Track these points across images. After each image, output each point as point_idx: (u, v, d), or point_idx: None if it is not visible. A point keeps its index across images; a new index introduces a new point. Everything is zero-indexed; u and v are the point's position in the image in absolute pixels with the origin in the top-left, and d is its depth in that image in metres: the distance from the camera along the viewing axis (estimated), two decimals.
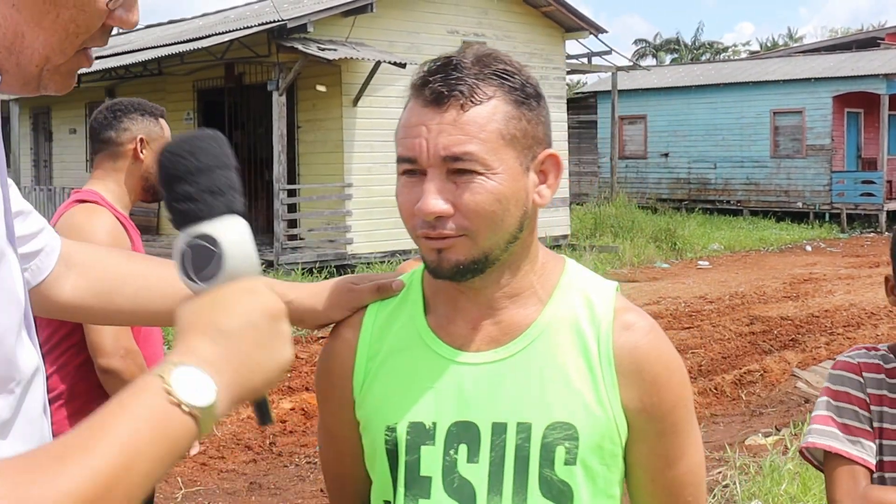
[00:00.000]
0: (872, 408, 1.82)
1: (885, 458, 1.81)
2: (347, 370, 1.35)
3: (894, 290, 1.90)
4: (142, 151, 2.85)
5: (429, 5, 14.68)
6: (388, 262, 13.54)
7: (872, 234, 21.01)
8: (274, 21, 12.82)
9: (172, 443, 0.81)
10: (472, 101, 1.20)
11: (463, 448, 1.25)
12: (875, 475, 1.80)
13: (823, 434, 1.83)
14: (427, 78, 1.22)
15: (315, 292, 1.35)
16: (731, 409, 7.30)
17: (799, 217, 22.65)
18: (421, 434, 1.26)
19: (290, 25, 12.65)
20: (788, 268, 15.08)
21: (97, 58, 16.89)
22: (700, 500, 1.34)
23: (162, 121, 2.90)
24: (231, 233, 0.96)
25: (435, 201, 1.19)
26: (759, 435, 6.30)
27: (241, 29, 13.58)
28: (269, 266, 12.96)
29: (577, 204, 21.51)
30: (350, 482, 1.39)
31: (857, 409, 1.83)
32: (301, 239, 13.73)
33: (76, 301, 1.40)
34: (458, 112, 1.20)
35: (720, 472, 5.33)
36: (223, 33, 13.85)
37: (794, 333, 9.67)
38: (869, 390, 1.83)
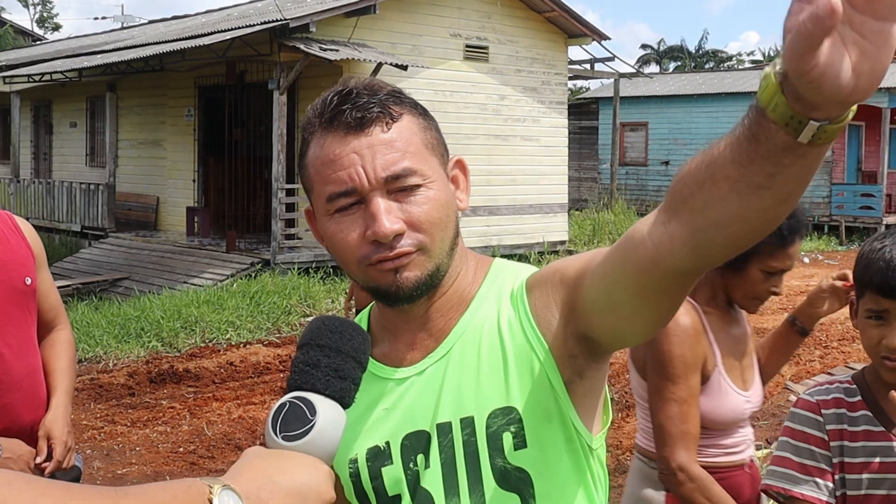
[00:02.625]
0: (832, 444, 1.84)
1: (849, 493, 1.83)
2: None
3: (854, 314, 1.92)
4: None
5: (432, 8, 14.67)
6: None
7: None
8: (276, 20, 12.81)
9: None
10: (391, 119, 1.21)
11: (420, 458, 1.25)
12: None
13: (780, 476, 1.87)
14: (338, 109, 1.21)
15: None
16: None
17: None
18: (378, 456, 1.27)
19: (292, 25, 12.64)
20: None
21: (98, 52, 16.89)
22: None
23: None
24: (332, 415, 1.01)
25: (389, 221, 1.18)
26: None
27: (243, 27, 13.56)
28: (265, 265, 12.95)
29: (576, 210, 21.50)
30: None
31: (813, 448, 1.86)
32: (298, 238, 13.70)
33: None
34: (382, 131, 1.20)
35: None
36: (225, 31, 13.83)
37: None
38: (828, 426, 1.85)
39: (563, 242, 16.63)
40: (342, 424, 1.02)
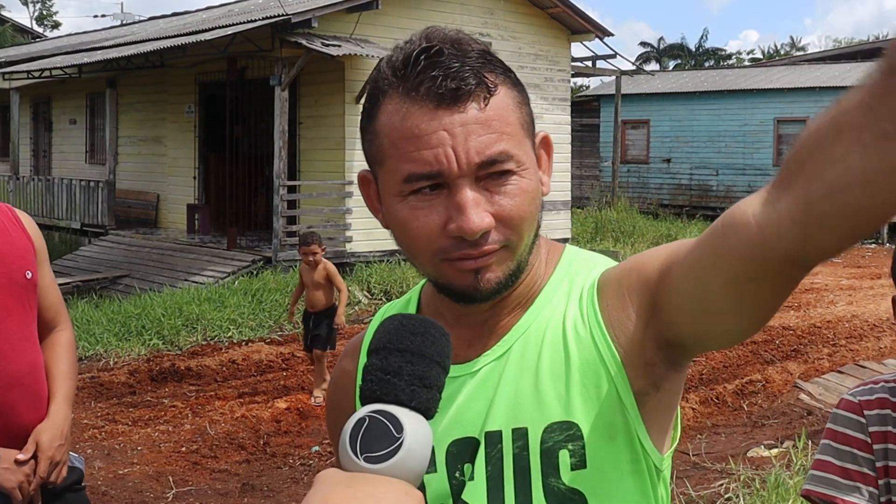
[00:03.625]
0: (876, 446, 1.74)
1: (894, 499, 1.73)
2: (351, 402, 1.22)
3: None
4: None
5: (434, 3, 14.59)
6: (387, 261, 13.44)
7: (874, 246, 20.93)
8: (278, 15, 12.73)
9: None
10: (489, 93, 1.04)
11: (467, 468, 1.12)
12: None
13: (822, 482, 1.77)
14: (426, 74, 1.03)
15: None
16: (732, 420, 7.20)
17: None
18: None
19: (294, 20, 12.56)
20: None
21: (97, 48, 16.80)
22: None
23: None
24: (420, 431, 0.88)
25: (478, 216, 1.02)
26: (762, 447, 6.19)
27: (244, 23, 13.48)
28: (266, 262, 12.86)
29: (578, 207, 21.42)
30: None
31: (855, 451, 1.75)
32: (300, 235, 13.62)
33: None
34: (479, 108, 1.03)
35: (723, 485, 5.22)
36: (226, 26, 13.75)
37: (797, 344, 9.57)
38: (871, 429, 1.75)
39: (565, 240, 16.51)
40: (430, 441, 0.89)
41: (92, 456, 6.22)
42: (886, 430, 1.75)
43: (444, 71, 1.02)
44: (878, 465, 1.73)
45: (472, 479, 1.12)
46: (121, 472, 6.02)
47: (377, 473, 0.85)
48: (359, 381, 1.18)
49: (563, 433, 1.08)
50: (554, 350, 1.11)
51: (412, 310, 1.22)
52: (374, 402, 0.89)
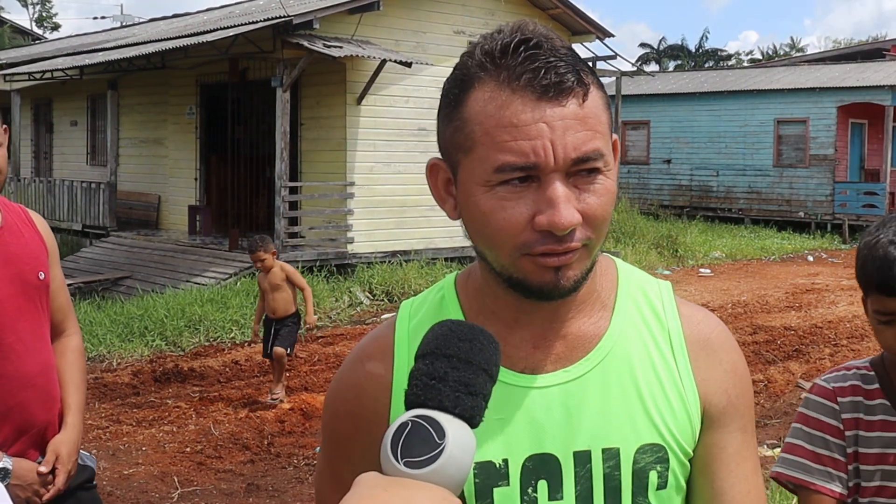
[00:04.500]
0: (847, 433, 1.76)
1: (863, 484, 1.76)
2: (381, 412, 1.15)
3: (867, 309, 1.82)
4: None
5: (435, 5, 14.60)
6: (389, 262, 13.45)
7: None
8: (279, 17, 12.74)
9: None
10: (586, 91, 1.04)
11: (542, 485, 1.10)
12: (849, 501, 1.76)
13: (792, 465, 1.79)
14: (528, 66, 1.02)
15: None
16: None
17: (800, 227, 22.58)
18: (492, 475, 1.10)
19: (295, 22, 12.57)
20: (790, 277, 15.00)
21: (99, 50, 16.81)
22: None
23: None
24: (463, 438, 0.87)
25: (568, 212, 1.01)
26: (765, 446, 6.21)
27: (245, 24, 13.49)
28: None
29: None
30: None
31: (827, 436, 1.77)
32: (301, 237, 13.64)
33: None
34: (578, 104, 1.03)
35: None
36: (228, 28, 13.76)
37: (798, 344, 9.59)
38: (844, 416, 1.77)
39: None
40: (473, 449, 0.88)
41: (97, 456, 6.22)
42: (857, 416, 1.77)
43: (545, 64, 1.02)
44: (849, 451, 1.75)
45: (559, 498, 1.10)
46: (126, 472, 6.03)
47: (417, 479, 0.84)
48: (395, 386, 1.15)
49: (654, 455, 1.11)
50: (644, 372, 1.14)
51: (451, 308, 1.18)
52: (418, 406, 0.89)
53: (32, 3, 51.20)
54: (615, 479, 1.10)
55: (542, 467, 1.10)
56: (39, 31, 47.06)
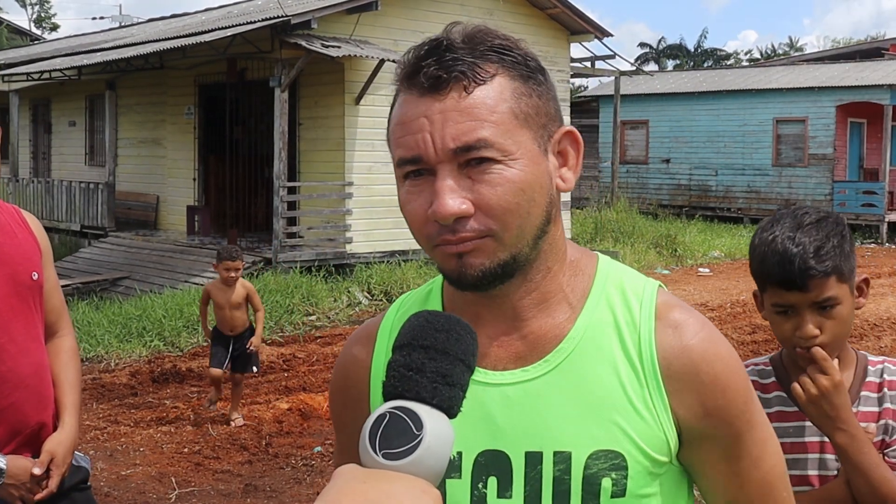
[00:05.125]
0: None
1: None
2: (363, 391, 1.21)
3: (759, 305, 1.86)
4: None
5: (433, 4, 14.60)
6: (388, 262, 13.44)
7: (873, 245, 20.95)
8: (277, 17, 12.72)
9: None
10: (475, 82, 1.06)
11: (492, 481, 1.11)
12: None
13: None
14: (419, 64, 1.07)
15: None
16: None
17: None
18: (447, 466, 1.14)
19: (293, 21, 12.56)
20: None
21: (97, 50, 16.80)
22: (790, 492, 1.21)
23: None
24: (441, 429, 0.87)
25: (452, 201, 1.04)
26: None
27: (244, 24, 13.48)
28: (267, 264, 12.86)
29: (578, 208, 21.43)
30: None
31: None
32: (300, 237, 13.63)
33: None
34: (460, 96, 1.06)
35: None
36: (226, 28, 13.75)
37: None
38: None
39: None
40: (451, 440, 0.88)
41: (94, 457, 6.22)
42: None
43: (437, 60, 1.07)
44: None
45: (507, 497, 1.10)
46: (123, 473, 6.02)
47: (395, 470, 0.84)
48: (373, 371, 1.19)
49: (608, 462, 1.09)
50: (606, 377, 1.11)
51: (434, 302, 1.21)
52: (396, 398, 0.88)
53: (31, 4, 51.20)
54: (564, 483, 1.09)
55: (493, 464, 1.11)
56: (38, 32, 47.04)
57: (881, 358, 1.86)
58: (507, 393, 1.12)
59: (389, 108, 1.16)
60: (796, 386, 1.72)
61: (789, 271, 1.72)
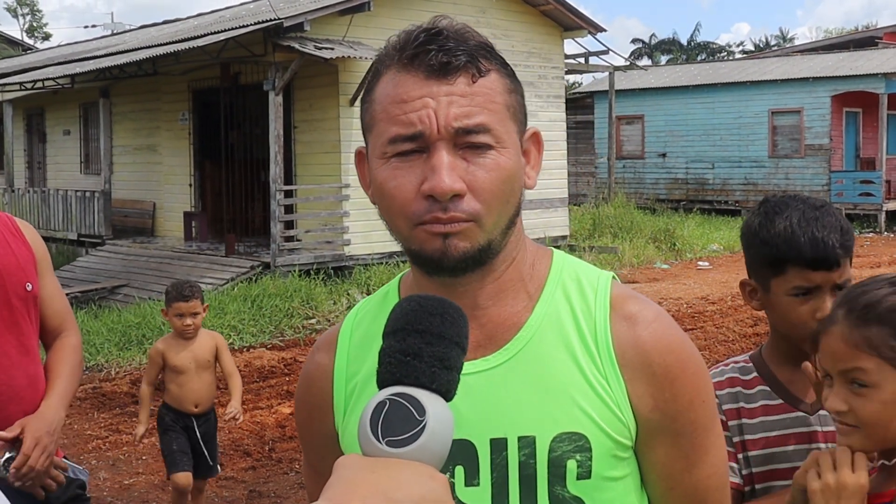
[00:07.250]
0: (731, 423, 1.80)
1: (754, 470, 1.79)
2: (327, 398, 1.22)
3: (752, 294, 1.85)
4: None
5: (426, 4, 14.56)
6: (386, 263, 13.41)
7: (871, 235, 20.93)
8: (270, 20, 12.69)
9: None
10: (478, 72, 1.11)
11: (459, 470, 1.12)
12: (747, 489, 1.79)
13: None
14: (423, 48, 1.11)
15: None
16: None
17: None
18: None
19: (286, 24, 12.53)
20: None
21: (90, 58, 16.75)
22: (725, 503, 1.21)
23: None
24: (442, 413, 0.87)
25: (452, 177, 1.06)
26: None
27: (236, 28, 13.44)
28: (265, 268, 12.83)
29: (575, 204, 21.39)
30: None
31: None
32: (298, 240, 13.58)
33: None
34: (467, 83, 1.10)
35: None
36: (218, 32, 13.71)
37: None
38: (725, 407, 1.81)
39: (564, 237, 16.52)
40: (452, 423, 0.88)
41: (97, 467, 6.18)
42: (739, 406, 1.81)
43: (439, 47, 1.10)
44: (735, 440, 1.79)
45: (475, 484, 1.12)
46: (126, 482, 5.98)
47: (400, 458, 0.83)
48: (335, 376, 1.21)
49: (573, 444, 1.10)
50: (564, 362, 1.13)
51: (392, 302, 1.21)
52: (394, 384, 0.87)
53: (23, 14, 51.12)
54: (530, 466, 1.10)
55: (458, 453, 1.11)
56: (30, 41, 46.97)
57: None
58: (468, 382, 1.11)
59: (366, 89, 1.16)
60: (807, 365, 1.68)
61: (822, 250, 1.72)
